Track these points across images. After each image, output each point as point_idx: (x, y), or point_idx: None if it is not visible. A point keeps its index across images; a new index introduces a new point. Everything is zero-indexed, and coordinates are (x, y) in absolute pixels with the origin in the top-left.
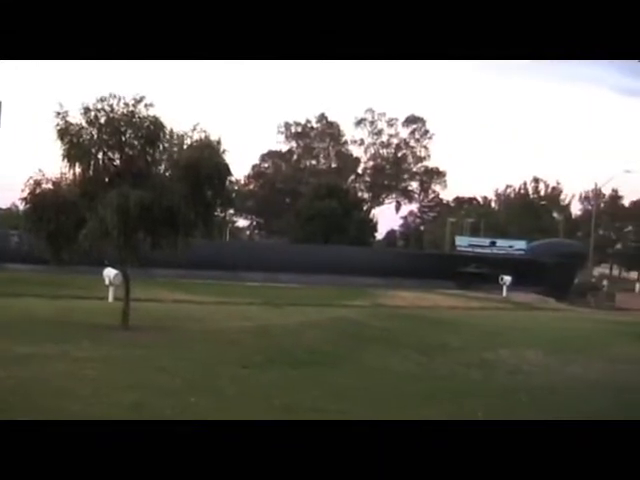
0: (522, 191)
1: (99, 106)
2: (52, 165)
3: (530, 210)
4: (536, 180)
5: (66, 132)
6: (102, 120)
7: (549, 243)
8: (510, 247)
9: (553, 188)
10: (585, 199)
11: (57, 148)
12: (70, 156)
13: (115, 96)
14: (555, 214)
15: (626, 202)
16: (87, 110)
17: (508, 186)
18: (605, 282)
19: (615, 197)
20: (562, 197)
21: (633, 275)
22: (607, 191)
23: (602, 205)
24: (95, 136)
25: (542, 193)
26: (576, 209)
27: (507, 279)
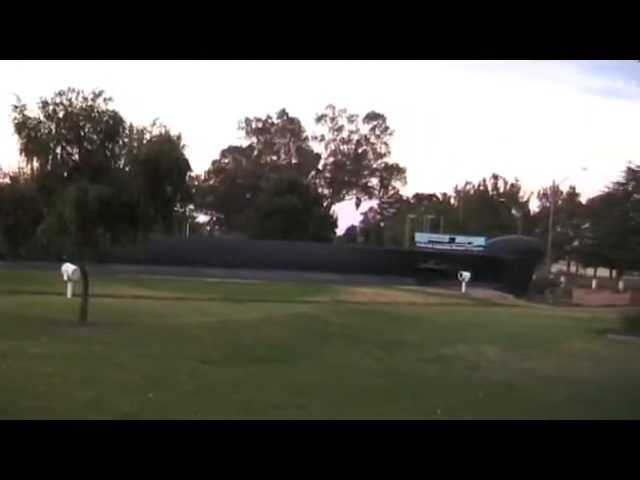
0: (481, 188)
1: (57, 100)
2: (9, 159)
3: (489, 207)
4: (495, 177)
5: (24, 126)
6: (60, 114)
7: (508, 240)
8: (469, 243)
9: (512, 185)
10: (543, 196)
11: (14, 142)
12: (28, 150)
13: (74, 90)
14: (514, 211)
15: (583, 199)
16: (45, 104)
17: (467, 183)
18: (563, 279)
19: (573, 194)
20: (521, 194)
21: (590, 272)
22: (565, 188)
23: (560, 202)
24: (53, 130)
25: (501, 190)
26: (534, 206)
27: (466, 275)
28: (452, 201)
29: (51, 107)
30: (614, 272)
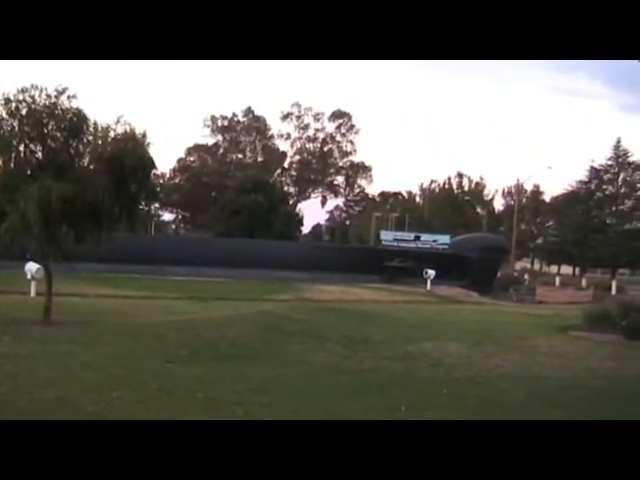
0: (446, 186)
1: (20, 97)
2: None
3: (454, 205)
4: (460, 175)
5: None
6: (23, 111)
7: (472, 237)
8: (434, 241)
9: (477, 183)
10: (508, 194)
11: None
12: None
13: (37, 87)
14: (478, 209)
15: (547, 197)
16: (8, 101)
17: (433, 181)
18: (526, 276)
19: (537, 193)
20: (485, 192)
21: (554, 269)
22: (529, 187)
23: (524, 200)
24: (16, 128)
25: (466, 188)
26: (499, 204)
27: (431, 273)
28: (417, 199)
29: (14, 104)
30: (577, 270)
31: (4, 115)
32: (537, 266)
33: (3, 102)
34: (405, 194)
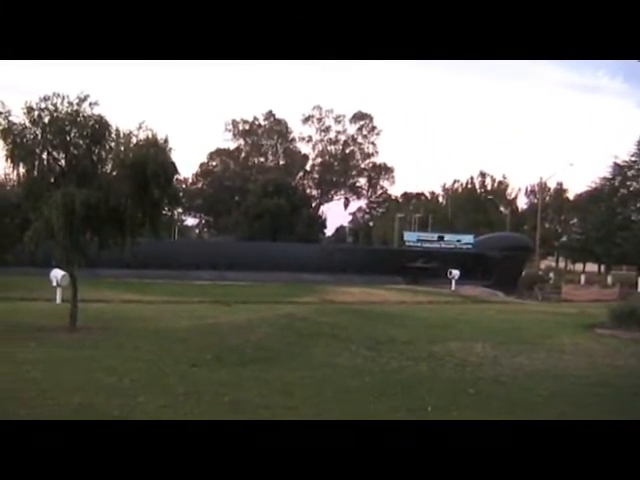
0: (469, 186)
1: (42, 105)
2: None
3: (477, 204)
4: (483, 175)
5: (9, 132)
6: (46, 119)
7: (496, 237)
8: (458, 241)
9: (500, 182)
10: (531, 193)
11: (0, 149)
12: (14, 156)
13: (59, 95)
14: (502, 208)
15: (571, 195)
16: (30, 109)
17: (455, 181)
18: (551, 274)
19: (560, 190)
20: (508, 191)
21: (579, 267)
22: (552, 185)
23: (547, 198)
24: (39, 136)
25: (489, 187)
26: (522, 203)
27: (455, 273)
28: (440, 199)
29: (36, 112)
30: (602, 267)
31: (27, 123)
32: (562, 264)
33: (26, 110)
34: (428, 195)
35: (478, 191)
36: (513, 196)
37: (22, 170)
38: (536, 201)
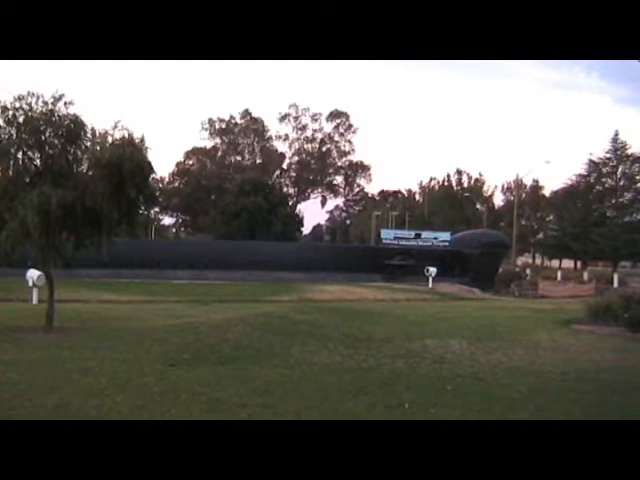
0: (446, 183)
1: (17, 105)
2: None
3: (454, 202)
4: (459, 172)
5: None
6: (21, 119)
7: (473, 234)
8: (435, 239)
9: (476, 180)
10: (507, 190)
11: None
12: None
13: (33, 94)
14: (478, 205)
15: (547, 192)
16: (5, 109)
17: (432, 179)
18: (528, 271)
19: (536, 187)
20: (485, 188)
21: (555, 264)
22: (528, 182)
23: (524, 195)
24: (14, 135)
25: (465, 185)
26: (499, 200)
27: (432, 270)
28: (417, 197)
29: (11, 112)
30: (579, 263)
31: (1, 123)
32: (538, 261)
33: (0, 110)
34: (405, 192)
35: (455, 188)
36: (489, 193)
37: None
38: (512, 198)
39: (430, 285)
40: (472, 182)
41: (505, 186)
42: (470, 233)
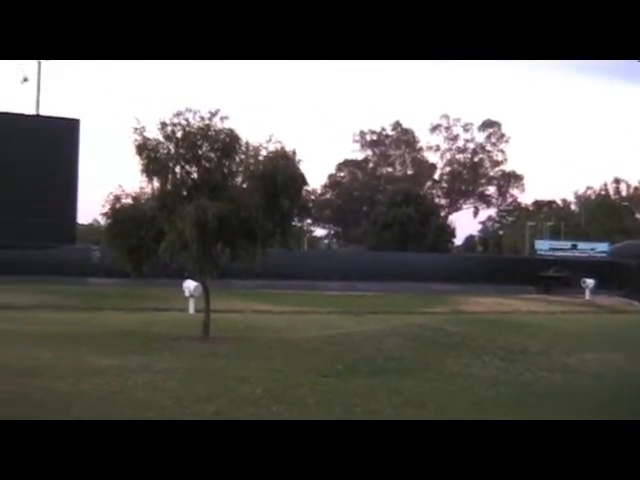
0: (603, 192)
1: (175, 121)
2: (131, 180)
3: (611, 211)
4: (617, 181)
5: (144, 147)
6: (179, 134)
7: (632, 244)
8: (592, 250)
9: (635, 188)
10: None
11: (135, 163)
12: (148, 170)
13: (191, 110)
14: (638, 215)
15: None
16: (164, 125)
17: (588, 188)
18: None
19: None
20: None
21: None
22: None
23: None
24: (172, 150)
25: (624, 194)
26: None
27: (589, 282)
28: (572, 207)
29: (169, 128)
30: None
31: (161, 138)
32: None
33: (160, 126)
34: (559, 202)
35: (612, 197)
36: None
37: (156, 184)
38: None
39: (587, 297)
40: (631, 191)
41: None
42: (629, 243)
